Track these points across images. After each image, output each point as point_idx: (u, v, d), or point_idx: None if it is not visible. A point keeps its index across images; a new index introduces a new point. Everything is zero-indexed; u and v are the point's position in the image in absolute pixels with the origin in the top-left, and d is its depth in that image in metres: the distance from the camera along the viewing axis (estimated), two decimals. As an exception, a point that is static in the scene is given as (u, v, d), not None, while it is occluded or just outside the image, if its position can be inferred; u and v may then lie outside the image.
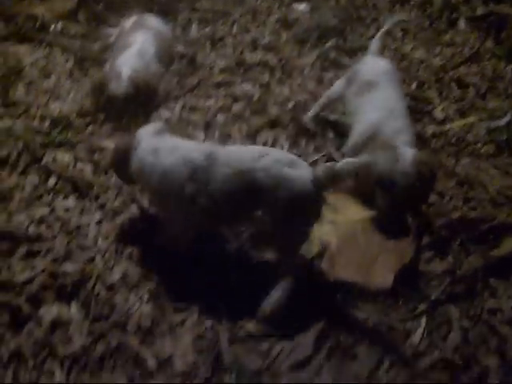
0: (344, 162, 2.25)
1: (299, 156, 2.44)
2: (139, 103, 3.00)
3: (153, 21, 3.44)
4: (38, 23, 3.67)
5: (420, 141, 3.14)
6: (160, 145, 2.32)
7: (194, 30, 3.84)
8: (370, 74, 2.87)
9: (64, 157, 2.84)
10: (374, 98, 2.78)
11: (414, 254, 2.52)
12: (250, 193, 2.23)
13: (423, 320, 2.35)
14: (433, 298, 2.41)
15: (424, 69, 3.71)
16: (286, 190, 2.21)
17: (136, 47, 3.17)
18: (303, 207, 2.25)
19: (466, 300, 2.43)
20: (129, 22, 3.40)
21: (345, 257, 2.48)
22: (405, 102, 2.84)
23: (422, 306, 2.39)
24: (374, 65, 2.96)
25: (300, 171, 2.24)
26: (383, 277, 2.41)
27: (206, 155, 2.26)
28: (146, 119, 2.95)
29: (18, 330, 2.20)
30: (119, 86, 2.97)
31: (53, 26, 3.68)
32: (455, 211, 2.75)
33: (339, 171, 2.23)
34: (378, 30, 3.89)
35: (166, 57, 3.33)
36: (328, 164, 2.30)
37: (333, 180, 2.25)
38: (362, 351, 2.24)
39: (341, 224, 2.61)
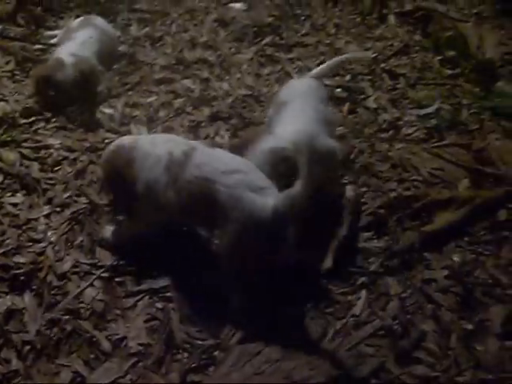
0: (295, 188, 2.12)
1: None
2: (84, 91, 3.05)
3: (99, 21, 3.52)
4: (-24, 27, 3.68)
5: (356, 129, 3.32)
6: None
7: (133, 29, 3.92)
8: (284, 95, 2.88)
9: (10, 155, 2.87)
10: (283, 115, 2.76)
11: (347, 232, 2.65)
12: (208, 202, 2.22)
13: (363, 292, 2.48)
14: (371, 271, 2.55)
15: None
16: (242, 213, 2.17)
17: (79, 40, 3.24)
18: (257, 235, 2.20)
19: (403, 272, 2.56)
20: (75, 22, 3.47)
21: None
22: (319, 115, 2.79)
23: (362, 280, 2.52)
24: (290, 86, 2.99)
25: (263, 199, 2.18)
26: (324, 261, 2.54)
27: (184, 151, 2.30)
28: (91, 113, 3.00)
29: (-27, 321, 2.24)
30: (65, 74, 3.01)
31: (-8, 30, 3.69)
32: (391, 192, 2.90)
33: (295, 197, 2.13)
34: (311, 26, 4.10)
35: (109, 55, 3.41)
36: (284, 192, 2.18)
37: (293, 206, 2.15)
38: (307, 323, 2.35)
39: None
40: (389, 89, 3.69)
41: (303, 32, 4.12)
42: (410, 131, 3.37)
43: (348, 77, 3.73)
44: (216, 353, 2.23)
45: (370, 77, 3.76)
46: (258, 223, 2.18)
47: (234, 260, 2.29)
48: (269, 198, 2.18)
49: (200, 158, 2.29)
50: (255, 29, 4.05)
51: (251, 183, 2.22)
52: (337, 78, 3.70)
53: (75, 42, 3.25)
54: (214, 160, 2.29)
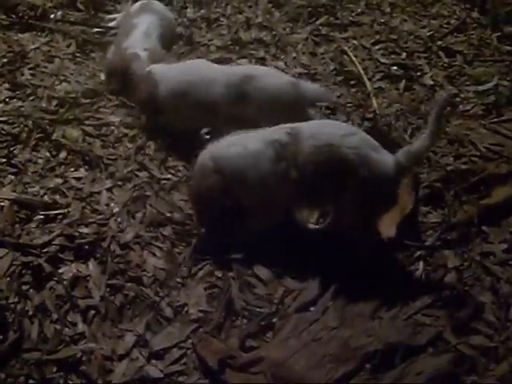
0: (420, 142, 2.32)
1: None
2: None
3: (157, 5, 3.60)
4: (38, 12, 3.79)
5: (412, 106, 3.31)
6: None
7: (189, 12, 3.98)
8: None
9: (73, 132, 2.97)
10: None
11: (413, 206, 2.64)
12: (334, 167, 2.29)
13: (421, 264, 2.48)
14: (429, 244, 2.55)
15: (413, 40, 3.85)
16: (371, 171, 2.28)
17: (142, 29, 3.33)
18: (384, 190, 2.35)
19: (461, 245, 2.56)
20: (134, 7, 3.56)
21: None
22: None
23: (420, 252, 2.52)
24: None
25: (383, 155, 2.32)
26: (387, 228, 2.53)
27: (286, 133, 2.36)
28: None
29: (40, 287, 2.33)
30: (142, 67, 3.09)
31: (53, 15, 3.80)
32: (447, 166, 2.89)
33: (418, 152, 2.32)
34: (366, 5, 4.09)
35: (168, 38, 3.48)
36: (405, 148, 2.37)
37: (414, 162, 2.39)
38: (364, 293, 2.37)
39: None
40: (445, 66, 3.65)
41: (358, 11, 4.11)
42: (467, 107, 3.35)
43: (404, 55, 3.70)
44: (274, 320, 2.27)
45: (425, 54, 3.73)
46: (385, 178, 2.30)
47: (361, 217, 2.39)
48: (388, 154, 2.32)
49: (308, 130, 2.36)
50: (310, 9, 4.06)
51: (369, 141, 2.34)
52: (393, 56, 3.68)
53: (139, 32, 3.32)
54: (324, 127, 2.39)
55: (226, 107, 2.76)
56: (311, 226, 2.62)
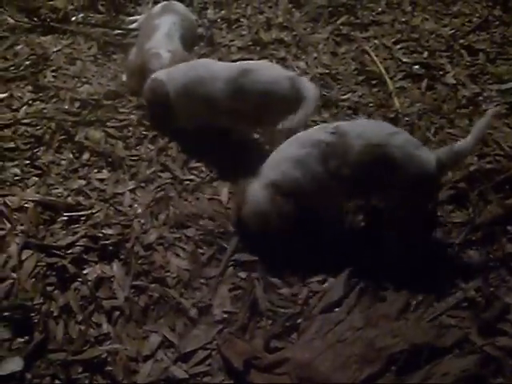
0: (463, 143, 2.40)
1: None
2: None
3: (178, 6, 3.61)
4: (60, 15, 3.82)
5: (434, 105, 3.28)
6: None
7: (210, 13, 3.98)
8: None
9: (95, 134, 2.98)
10: None
11: (435, 204, 2.62)
12: (382, 165, 2.34)
13: (446, 264, 2.46)
14: (454, 244, 2.53)
15: (434, 39, 3.82)
16: (416, 168, 2.34)
17: (164, 30, 3.33)
18: (427, 187, 2.42)
19: (486, 246, 2.53)
20: (156, 8, 3.57)
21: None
22: None
23: (445, 252, 2.50)
24: None
25: (426, 153, 2.37)
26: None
27: (331, 133, 2.39)
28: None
29: (65, 288, 2.34)
30: (162, 66, 3.10)
31: (74, 17, 3.82)
32: (471, 166, 2.86)
33: (460, 152, 2.39)
34: (387, 4, 4.07)
35: (190, 39, 3.49)
36: (448, 147, 2.45)
37: (455, 161, 2.46)
38: (390, 294, 2.36)
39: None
40: (468, 65, 3.62)
41: (379, 10, 4.08)
42: (490, 106, 3.29)
43: (425, 54, 3.67)
44: (299, 321, 2.26)
45: (448, 53, 3.69)
46: (428, 175, 2.36)
47: (406, 214, 2.42)
48: (430, 152, 2.38)
49: (354, 129, 2.38)
50: (330, 9, 4.04)
51: (412, 140, 2.41)
52: (414, 55, 3.66)
53: (162, 33, 3.33)
54: (370, 127, 2.45)
55: (227, 102, 2.76)
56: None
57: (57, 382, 2.10)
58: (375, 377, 2.09)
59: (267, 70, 2.81)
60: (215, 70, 2.84)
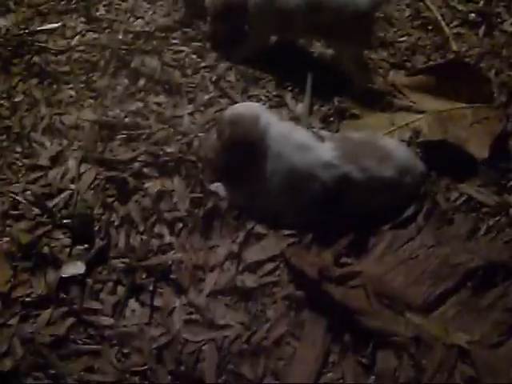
0: None
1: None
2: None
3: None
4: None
5: (494, 50, 3.20)
6: None
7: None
8: None
9: (151, 62, 2.92)
10: None
11: (504, 125, 2.54)
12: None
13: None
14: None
15: (489, -10, 3.73)
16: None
17: None
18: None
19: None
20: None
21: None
22: None
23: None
24: None
25: None
26: (480, 149, 2.43)
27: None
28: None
29: (125, 200, 2.29)
30: None
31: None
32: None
33: None
34: None
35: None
36: None
37: None
38: (458, 217, 2.28)
39: (428, 115, 2.66)
40: (524, 14, 3.52)
41: None
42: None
43: (481, 3, 3.58)
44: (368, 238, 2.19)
45: (504, 3, 3.60)
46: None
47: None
48: None
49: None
50: None
51: None
52: (470, 3, 3.56)
53: None
54: None
55: (302, 17, 2.69)
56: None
57: (120, 287, 2.05)
58: (451, 293, 2.02)
59: None
60: None
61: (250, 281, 2.04)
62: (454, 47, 3.20)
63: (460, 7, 3.53)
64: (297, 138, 2.20)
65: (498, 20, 3.45)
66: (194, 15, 3.14)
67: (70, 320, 1.95)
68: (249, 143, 2.19)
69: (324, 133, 2.34)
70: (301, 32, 2.85)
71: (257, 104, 2.39)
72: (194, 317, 1.97)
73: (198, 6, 3.06)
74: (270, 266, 2.10)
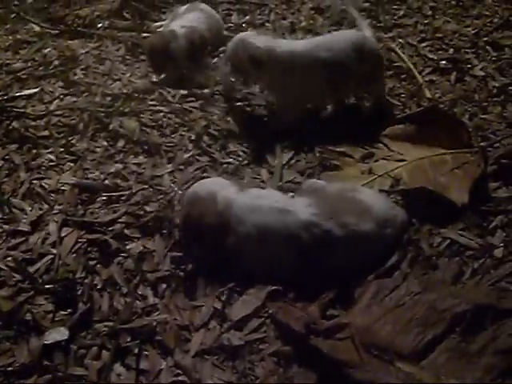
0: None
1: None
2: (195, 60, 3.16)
3: (204, 6, 3.65)
4: (86, 22, 3.84)
5: (466, 95, 3.27)
6: None
7: (234, 18, 4.00)
8: None
9: (130, 123, 2.95)
10: None
11: (482, 173, 2.57)
12: None
13: (498, 234, 2.39)
14: (504, 215, 2.46)
15: (458, 37, 3.83)
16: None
17: (189, 18, 3.36)
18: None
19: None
20: (182, 8, 3.61)
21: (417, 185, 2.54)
22: None
23: (495, 222, 2.44)
24: None
25: None
26: (459, 196, 2.46)
27: None
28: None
29: (108, 262, 2.27)
30: (178, 44, 3.15)
31: (100, 24, 3.84)
32: (509, 145, 2.82)
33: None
34: (407, 9, 4.12)
35: (215, 37, 3.49)
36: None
37: None
38: (442, 262, 2.28)
39: (408, 163, 2.69)
40: (494, 59, 3.61)
41: (400, 14, 4.11)
42: (522, 94, 3.29)
43: (451, 50, 3.68)
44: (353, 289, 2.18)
45: (473, 50, 3.70)
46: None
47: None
48: None
49: None
50: (353, 13, 4.06)
51: None
52: (440, 52, 3.67)
53: (184, 19, 3.38)
54: None
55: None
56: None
57: (104, 352, 2.01)
58: (440, 339, 2.00)
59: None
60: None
61: (236, 339, 2.01)
62: (428, 94, 3.26)
63: (431, 55, 3.63)
64: (266, 203, 2.18)
65: (468, 66, 3.53)
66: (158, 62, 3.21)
67: (55, 388, 1.90)
68: (206, 223, 2.17)
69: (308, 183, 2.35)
70: None
71: (219, 180, 2.40)
72: (180, 378, 1.92)
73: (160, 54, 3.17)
74: (255, 323, 2.07)
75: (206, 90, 3.18)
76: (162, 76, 3.27)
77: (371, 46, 3.01)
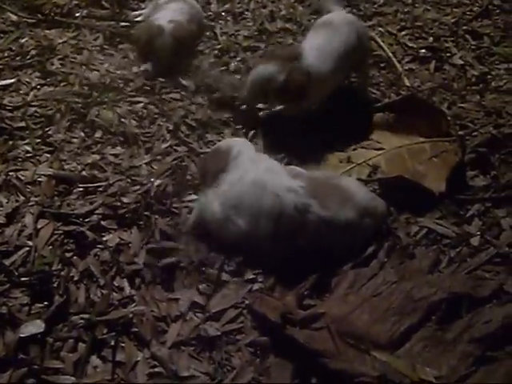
0: None
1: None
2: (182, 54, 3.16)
3: (186, -4, 3.61)
4: (64, 10, 3.79)
5: (444, 84, 3.27)
6: None
7: (214, 7, 3.97)
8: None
9: (108, 113, 2.92)
10: None
11: (459, 161, 2.58)
12: None
13: (475, 222, 2.41)
14: (480, 204, 2.48)
15: (438, 26, 3.84)
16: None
17: (171, 8, 3.37)
18: None
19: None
20: (162, -1, 3.58)
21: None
22: None
23: (472, 211, 2.45)
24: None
25: None
26: (436, 184, 2.47)
27: None
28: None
29: (84, 254, 2.25)
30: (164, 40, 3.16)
31: (78, 13, 3.80)
32: (487, 134, 2.84)
33: None
34: (390, -2, 4.11)
35: (196, 27, 3.48)
36: None
37: None
38: (419, 251, 2.30)
39: (386, 151, 2.70)
40: (473, 48, 3.64)
41: (380, 3, 4.11)
42: (500, 83, 3.31)
43: (430, 39, 3.69)
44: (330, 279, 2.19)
45: (452, 38, 3.72)
46: None
47: None
48: None
49: None
50: (332, 2, 4.04)
51: None
52: (420, 41, 3.68)
53: (169, 10, 3.39)
54: None
55: None
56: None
57: (81, 344, 1.99)
58: (416, 327, 2.01)
59: None
60: None
61: (212, 329, 2.01)
62: (407, 83, 3.27)
63: (410, 44, 3.63)
64: (266, 163, 2.30)
65: (448, 54, 3.54)
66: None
67: (31, 381, 1.88)
68: (218, 169, 2.28)
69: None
70: None
71: (240, 139, 2.58)
72: (157, 369, 1.92)
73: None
74: (232, 313, 2.07)
75: (188, 81, 3.15)
76: (144, 66, 3.23)
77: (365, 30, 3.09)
